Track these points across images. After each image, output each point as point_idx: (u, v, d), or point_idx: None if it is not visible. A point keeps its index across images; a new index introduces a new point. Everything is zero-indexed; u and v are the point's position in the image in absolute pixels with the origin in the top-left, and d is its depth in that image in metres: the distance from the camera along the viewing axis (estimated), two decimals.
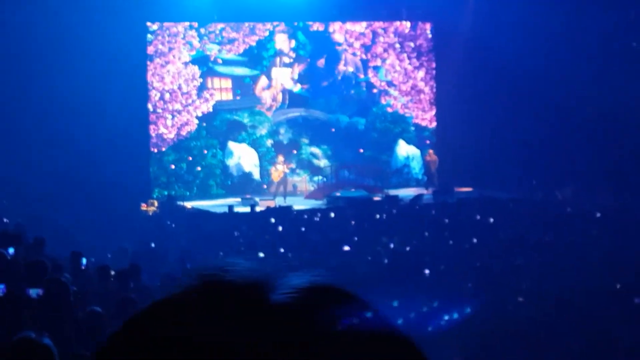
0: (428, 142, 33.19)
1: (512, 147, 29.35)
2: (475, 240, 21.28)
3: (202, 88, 31.00)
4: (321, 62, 32.43)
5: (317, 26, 32.37)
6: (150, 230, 22.78)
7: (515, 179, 28.43)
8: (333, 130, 32.42)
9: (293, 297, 0.99)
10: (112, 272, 11.88)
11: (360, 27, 32.90)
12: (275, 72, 31.92)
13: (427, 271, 18.53)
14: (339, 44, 32.64)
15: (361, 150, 32.43)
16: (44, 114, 25.87)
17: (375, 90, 33.15)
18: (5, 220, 18.42)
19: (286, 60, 32.04)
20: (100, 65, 26.72)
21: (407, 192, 29.32)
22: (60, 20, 26.12)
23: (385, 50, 33.14)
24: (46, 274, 10.70)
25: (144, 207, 27.23)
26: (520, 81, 29.50)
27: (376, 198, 27.95)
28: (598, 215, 23.30)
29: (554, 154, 28.66)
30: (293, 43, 32.12)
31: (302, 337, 0.95)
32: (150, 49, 30.44)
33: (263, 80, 31.73)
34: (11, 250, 12.66)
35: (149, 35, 30.46)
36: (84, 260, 13.16)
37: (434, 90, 33.59)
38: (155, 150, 30.54)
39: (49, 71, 25.83)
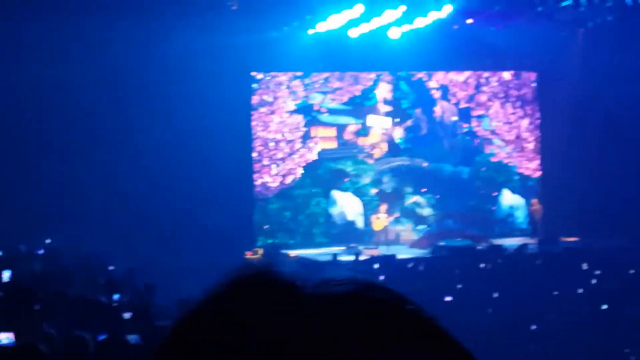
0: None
1: (619, 196, 28.75)
2: (581, 291, 20.95)
3: (306, 137, 31.19)
4: (425, 111, 32.34)
5: (420, 75, 32.35)
6: None
7: (623, 228, 27.81)
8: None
9: (334, 289, 1.03)
10: None
11: (463, 76, 32.77)
12: (376, 120, 31.92)
13: (534, 327, 18.35)
14: (443, 93, 32.53)
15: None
16: (151, 164, 26.29)
17: (478, 140, 32.93)
18: (110, 267, 18.67)
19: (388, 109, 32.03)
20: (206, 113, 27.10)
21: (511, 242, 28.94)
22: (167, 69, 26.61)
23: (489, 99, 32.92)
24: (150, 320, 10.85)
25: (248, 254, 27.41)
26: (628, 129, 28.96)
27: (480, 247, 27.68)
28: None
29: None
30: (395, 92, 32.11)
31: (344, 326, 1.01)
32: (255, 99, 30.77)
33: (354, 127, 31.72)
34: (116, 297, 12.94)
35: (253, 85, 30.84)
36: None
37: (539, 139, 33.22)
38: (260, 199, 30.78)
39: (155, 119, 26.30)
